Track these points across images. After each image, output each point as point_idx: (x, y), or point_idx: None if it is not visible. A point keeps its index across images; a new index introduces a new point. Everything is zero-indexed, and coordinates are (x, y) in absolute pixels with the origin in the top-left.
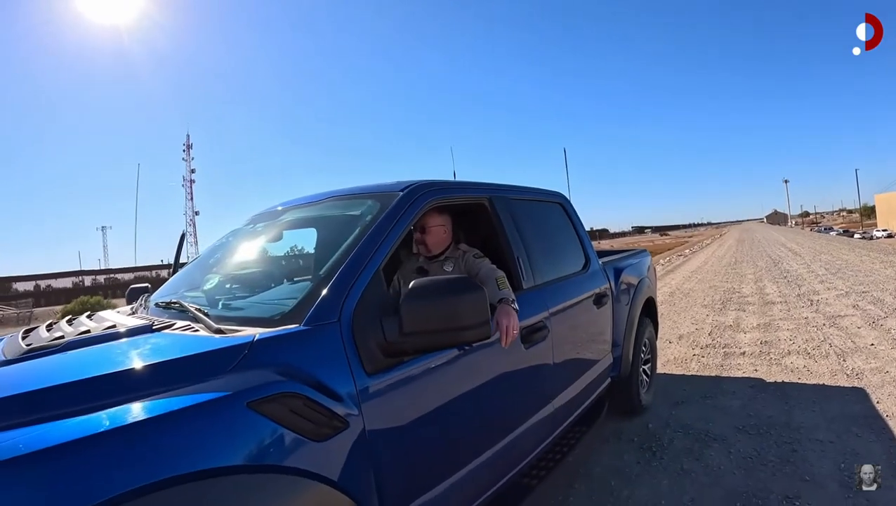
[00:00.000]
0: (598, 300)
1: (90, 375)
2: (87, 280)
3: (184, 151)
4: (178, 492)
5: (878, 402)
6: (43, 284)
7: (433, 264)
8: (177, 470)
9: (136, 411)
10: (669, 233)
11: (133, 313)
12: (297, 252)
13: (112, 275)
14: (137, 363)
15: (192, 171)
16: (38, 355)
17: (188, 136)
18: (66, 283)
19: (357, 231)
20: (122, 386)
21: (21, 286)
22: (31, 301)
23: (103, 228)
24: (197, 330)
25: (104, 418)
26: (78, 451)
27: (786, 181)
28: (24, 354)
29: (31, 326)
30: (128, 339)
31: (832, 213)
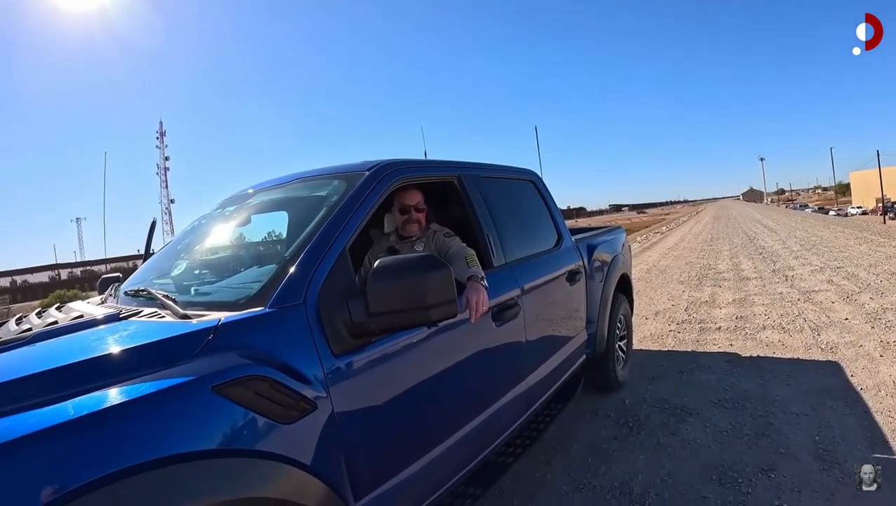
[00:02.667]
0: (571, 277)
1: (54, 366)
2: (64, 273)
3: (157, 138)
4: (145, 479)
5: (852, 375)
6: (19, 279)
7: (404, 244)
8: (143, 457)
9: (101, 399)
10: (647, 210)
11: (103, 303)
12: (275, 237)
13: (88, 267)
14: (102, 352)
15: (167, 158)
16: (5, 349)
17: (161, 123)
18: (43, 277)
19: (323, 212)
20: (86, 375)
21: None
22: (7, 298)
23: (77, 219)
24: (163, 316)
25: (69, 408)
26: (42, 442)
27: (762, 159)
28: None
29: (2, 320)
30: (94, 328)
31: (807, 190)
